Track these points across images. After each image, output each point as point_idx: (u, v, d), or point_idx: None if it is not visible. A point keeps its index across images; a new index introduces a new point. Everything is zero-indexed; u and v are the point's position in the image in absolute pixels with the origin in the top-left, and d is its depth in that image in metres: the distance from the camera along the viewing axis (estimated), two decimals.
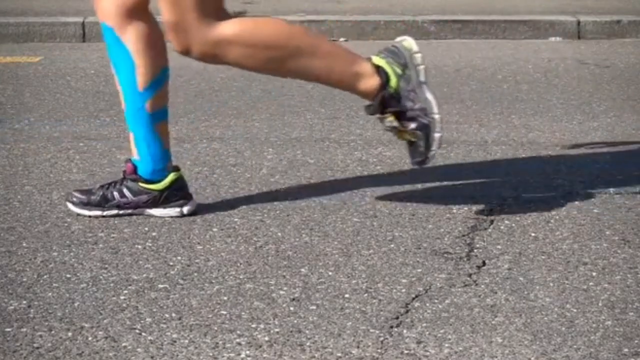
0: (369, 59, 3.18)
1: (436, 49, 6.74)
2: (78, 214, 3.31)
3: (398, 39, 3.25)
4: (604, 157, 4.02)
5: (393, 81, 3.15)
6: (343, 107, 4.95)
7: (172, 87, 5.40)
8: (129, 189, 3.30)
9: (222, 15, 3.06)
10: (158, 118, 3.27)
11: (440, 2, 7.97)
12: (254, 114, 4.80)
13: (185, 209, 3.31)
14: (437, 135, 3.16)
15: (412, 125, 3.15)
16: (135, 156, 3.31)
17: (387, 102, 3.15)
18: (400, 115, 3.16)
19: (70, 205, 3.32)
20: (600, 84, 5.55)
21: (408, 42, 3.22)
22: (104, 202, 3.30)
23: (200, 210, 3.37)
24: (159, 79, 3.24)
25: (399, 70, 3.16)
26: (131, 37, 3.19)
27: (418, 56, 3.19)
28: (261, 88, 5.42)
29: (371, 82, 3.15)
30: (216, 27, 3.02)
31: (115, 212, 3.30)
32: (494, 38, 7.19)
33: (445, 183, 3.68)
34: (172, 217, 3.30)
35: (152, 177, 3.30)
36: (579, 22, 7.21)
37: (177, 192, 3.31)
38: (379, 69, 3.16)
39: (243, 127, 4.55)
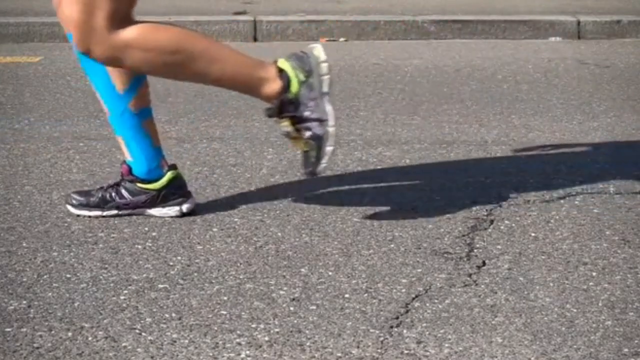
0: (275, 62, 3.17)
1: (436, 49, 6.74)
2: (78, 215, 3.31)
3: (310, 45, 3.23)
4: (604, 157, 4.02)
5: (294, 87, 3.13)
6: (343, 107, 4.95)
7: (172, 87, 5.42)
8: (127, 190, 3.30)
9: (129, 21, 3.06)
10: (144, 116, 3.27)
11: (440, 2, 7.97)
12: (254, 114, 4.80)
13: (185, 207, 3.31)
14: (329, 148, 3.14)
15: (307, 134, 3.14)
16: (128, 158, 3.31)
17: (285, 106, 3.14)
18: (296, 122, 3.15)
19: (70, 208, 3.32)
20: (600, 84, 5.55)
21: (318, 50, 3.19)
22: (103, 204, 3.30)
23: (200, 210, 3.37)
24: (137, 78, 3.24)
25: (302, 77, 3.14)
26: None
27: (324, 66, 3.17)
28: None
29: (273, 86, 3.13)
30: (119, 31, 3.02)
31: (114, 212, 3.30)
32: (494, 38, 7.19)
33: (445, 183, 3.69)
34: (171, 216, 3.30)
35: (149, 177, 3.30)
36: (579, 22, 7.21)
37: (176, 191, 3.31)
38: (282, 73, 3.14)
39: (243, 127, 4.55)
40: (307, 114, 3.13)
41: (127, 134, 3.27)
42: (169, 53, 3.06)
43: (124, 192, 3.30)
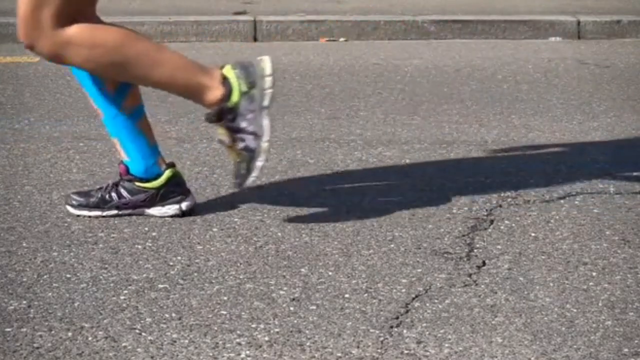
0: (221, 68, 3.17)
1: (436, 49, 6.74)
2: (78, 215, 3.31)
3: (259, 57, 3.22)
4: (604, 157, 4.02)
5: (235, 96, 3.13)
6: (343, 107, 4.95)
7: None
8: (125, 189, 3.31)
9: (76, 19, 3.06)
10: (137, 116, 3.27)
11: (440, 2, 7.97)
12: None
13: (184, 205, 3.31)
14: (259, 163, 3.14)
15: (240, 145, 3.14)
16: (125, 158, 3.31)
17: (223, 115, 3.14)
18: (232, 132, 3.14)
19: (69, 208, 3.32)
20: (600, 84, 5.55)
21: (265, 63, 3.18)
22: (102, 204, 3.30)
23: (200, 210, 3.37)
24: None
25: (244, 88, 3.14)
26: None
27: (268, 80, 3.16)
28: None
29: (215, 93, 3.13)
30: (64, 29, 3.02)
31: (114, 212, 3.30)
32: (494, 38, 7.19)
33: (445, 183, 3.69)
34: (171, 215, 3.30)
35: (146, 175, 3.30)
36: (579, 22, 7.21)
37: (175, 189, 3.31)
38: (225, 81, 3.14)
39: None
40: (243, 125, 3.14)
41: (122, 135, 3.28)
42: (111, 53, 3.06)
43: (123, 191, 3.30)
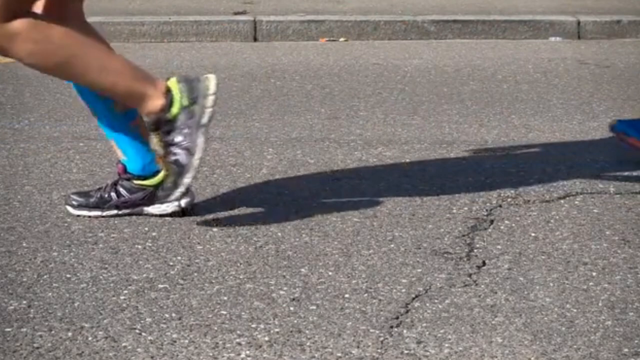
0: (167, 79, 3.18)
1: (436, 49, 6.74)
2: (78, 215, 3.31)
3: (205, 75, 3.21)
4: (604, 157, 4.02)
5: (175, 109, 3.13)
6: (343, 107, 4.95)
7: None
8: (124, 188, 3.31)
9: (25, 13, 3.05)
10: (131, 116, 3.28)
11: (440, 2, 7.97)
12: (254, 114, 4.80)
13: (183, 202, 3.31)
14: (186, 180, 3.12)
15: (172, 159, 3.13)
16: (122, 157, 3.31)
17: (160, 125, 3.14)
18: (167, 144, 3.14)
19: (69, 209, 3.32)
20: (600, 84, 5.55)
21: (210, 81, 3.18)
22: (102, 204, 3.31)
23: (200, 210, 3.37)
24: None
25: (185, 102, 3.14)
26: None
27: (211, 98, 3.15)
28: (261, 88, 5.42)
29: (156, 102, 3.13)
30: (11, 22, 3.02)
31: (114, 212, 3.30)
32: (494, 38, 7.19)
33: (445, 183, 3.69)
34: (171, 215, 3.30)
35: (144, 173, 3.31)
36: (579, 22, 7.21)
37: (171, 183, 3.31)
38: (168, 92, 3.14)
39: (243, 127, 4.55)
40: (178, 139, 3.13)
41: (117, 136, 3.29)
42: (56, 50, 3.06)
43: (121, 190, 3.30)
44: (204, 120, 3.14)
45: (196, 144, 3.13)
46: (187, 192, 3.32)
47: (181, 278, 2.83)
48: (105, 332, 2.49)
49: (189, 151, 3.12)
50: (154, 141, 3.16)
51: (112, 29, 7.01)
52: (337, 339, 2.46)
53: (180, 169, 3.12)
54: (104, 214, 3.30)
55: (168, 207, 3.30)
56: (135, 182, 3.30)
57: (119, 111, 3.25)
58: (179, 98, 3.13)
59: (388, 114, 4.82)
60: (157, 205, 3.31)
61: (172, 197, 3.15)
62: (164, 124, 3.13)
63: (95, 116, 3.30)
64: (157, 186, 3.29)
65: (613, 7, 7.67)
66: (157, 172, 3.30)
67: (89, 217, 3.29)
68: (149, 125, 3.15)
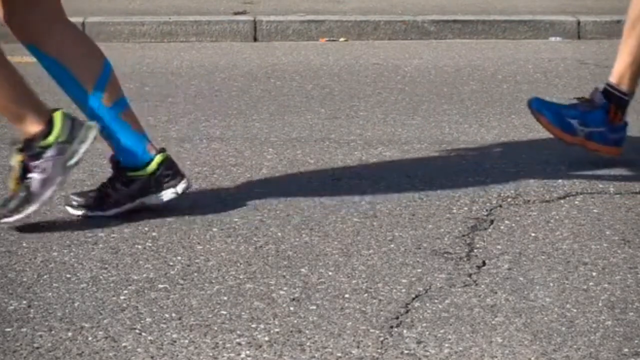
0: (53, 110, 3.22)
1: (436, 49, 6.74)
2: (78, 216, 3.31)
3: (90, 123, 3.26)
4: (604, 157, 4.02)
5: (50, 139, 3.19)
6: (343, 107, 4.95)
7: (172, 87, 5.42)
8: (120, 182, 3.31)
9: None
10: (120, 108, 3.29)
11: (440, 2, 7.97)
12: (254, 114, 4.80)
13: (179, 188, 3.31)
14: (30, 208, 3.17)
15: (26, 182, 3.18)
16: (114, 150, 3.32)
17: (30, 149, 3.20)
18: (27, 168, 3.20)
19: (69, 209, 3.32)
20: (600, 84, 5.55)
21: (91, 131, 3.23)
22: (102, 203, 3.31)
23: (200, 210, 3.37)
24: (104, 74, 3.26)
25: (62, 138, 3.19)
26: (55, 48, 3.23)
27: (85, 146, 3.21)
28: (261, 88, 5.42)
29: (35, 127, 3.19)
30: None
31: (115, 210, 3.30)
32: (494, 38, 7.19)
33: (445, 183, 3.68)
34: (168, 200, 3.28)
35: (137, 164, 3.30)
36: (579, 22, 7.21)
37: (167, 173, 3.31)
38: (50, 122, 3.19)
39: (243, 127, 4.55)
40: (40, 168, 3.18)
41: (107, 129, 3.29)
42: None
43: (118, 185, 3.31)
44: (72, 161, 3.21)
45: (55, 180, 3.18)
46: (182, 177, 3.32)
47: (181, 278, 2.83)
48: (105, 332, 2.49)
49: (45, 183, 3.18)
50: (16, 159, 3.21)
51: (112, 29, 7.01)
52: (337, 339, 2.46)
53: (29, 196, 3.17)
54: (106, 213, 3.30)
55: (165, 195, 3.30)
56: (129, 173, 3.30)
57: (107, 104, 3.26)
58: (58, 131, 3.19)
59: (388, 114, 4.82)
60: (155, 196, 3.31)
61: (9, 218, 3.18)
62: (33, 149, 3.18)
63: (83, 111, 3.31)
64: (151, 174, 3.29)
65: (613, 7, 7.67)
66: (150, 161, 3.30)
67: (90, 217, 3.29)
68: (19, 144, 3.22)
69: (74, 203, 3.32)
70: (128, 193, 3.30)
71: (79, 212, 3.31)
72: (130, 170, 3.31)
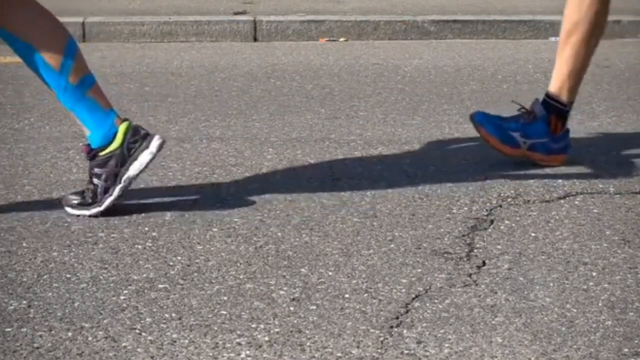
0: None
1: (436, 49, 6.74)
2: (78, 215, 3.31)
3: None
4: (604, 157, 4.02)
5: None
6: (343, 107, 4.95)
7: (172, 87, 5.42)
8: (97, 166, 3.31)
9: None
10: (87, 85, 3.29)
11: (440, 2, 7.97)
12: (254, 114, 4.80)
13: (153, 146, 3.31)
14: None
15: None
16: (87, 132, 3.32)
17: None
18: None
19: (68, 209, 3.32)
20: (600, 84, 5.55)
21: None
22: (95, 197, 3.30)
23: (200, 210, 3.37)
24: (68, 51, 3.26)
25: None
26: (18, 27, 3.23)
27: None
28: (261, 88, 5.42)
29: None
30: None
31: (109, 200, 3.29)
32: (494, 38, 7.19)
33: (445, 183, 3.69)
34: (147, 162, 3.29)
35: (107, 141, 3.31)
36: None
37: (135, 138, 3.31)
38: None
39: (243, 127, 4.56)
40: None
41: (76, 108, 3.29)
42: None
43: (97, 170, 3.31)
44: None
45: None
46: (151, 136, 3.34)
47: (181, 278, 2.83)
48: (105, 332, 2.49)
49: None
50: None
51: (112, 29, 7.01)
52: (337, 339, 2.46)
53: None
54: (103, 207, 3.30)
55: (143, 159, 3.30)
56: (101, 154, 3.30)
57: (73, 82, 3.26)
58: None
59: (388, 114, 4.82)
60: (134, 165, 3.30)
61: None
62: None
63: (52, 90, 3.31)
64: (120, 145, 3.30)
65: (613, 7, 7.66)
66: (116, 133, 3.30)
67: (90, 216, 3.29)
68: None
69: (73, 203, 3.32)
70: (109, 173, 3.29)
71: (78, 212, 3.31)
72: (102, 149, 3.31)
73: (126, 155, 3.30)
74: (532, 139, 3.86)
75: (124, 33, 7.05)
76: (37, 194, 3.57)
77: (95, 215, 3.30)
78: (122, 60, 6.21)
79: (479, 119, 3.88)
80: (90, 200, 3.31)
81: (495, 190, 3.60)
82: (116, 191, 3.30)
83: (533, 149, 3.87)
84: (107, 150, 3.31)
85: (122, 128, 3.31)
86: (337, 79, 5.67)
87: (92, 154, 3.32)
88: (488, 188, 3.63)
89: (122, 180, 3.30)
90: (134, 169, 3.31)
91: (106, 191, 3.30)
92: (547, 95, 3.88)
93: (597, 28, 3.81)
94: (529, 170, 3.84)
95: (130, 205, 3.41)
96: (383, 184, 3.68)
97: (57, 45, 3.26)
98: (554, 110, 3.86)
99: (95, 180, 3.31)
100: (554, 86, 3.87)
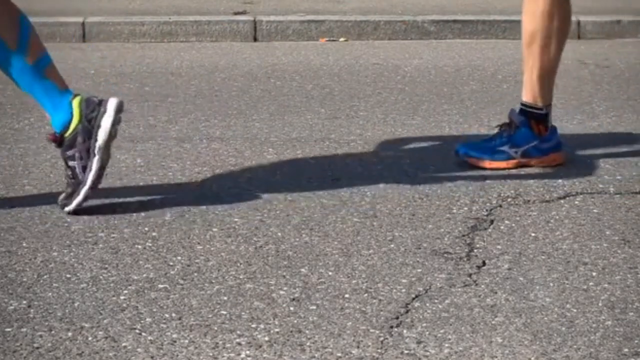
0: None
1: (436, 49, 6.74)
2: (76, 213, 3.30)
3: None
4: (604, 157, 4.02)
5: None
6: (343, 107, 4.95)
7: (172, 87, 5.42)
8: (67, 148, 3.31)
9: None
10: (44, 64, 3.29)
11: (440, 2, 7.97)
12: (254, 114, 4.80)
13: (111, 109, 3.30)
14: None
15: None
16: (48, 116, 3.33)
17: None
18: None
19: (66, 209, 3.32)
20: (600, 84, 5.55)
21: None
22: (77, 178, 3.29)
23: (200, 210, 3.37)
24: (23, 29, 3.27)
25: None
26: None
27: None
28: (261, 88, 5.42)
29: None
30: None
31: (92, 175, 3.28)
32: (494, 38, 7.19)
33: (445, 183, 3.68)
34: (110, 128, 3.27)
35: (66, 120, 3.31)
36: (579, 22, 7.21)
37: (90, 107, 3.31)
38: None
39: (243, 127, 4.55)
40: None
41: (33, 89, 3.30)
42: None
43: (69, 153, 3.31)
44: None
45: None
46: (105, 101, 3.32)
47: (181, 278, 2.83)
48: (105, 332, 2.49)
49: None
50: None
51: (112, 29, 7.01)
52: (337, 339, 2.46)
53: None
54: (89, 183, 3.27)
55: (104, 125, 3.29)
56: (67, 135, 3.30)
57: (30, 62, 3.26)
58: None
59: (388, 114, 4.82)
60: (100, 134, 3.29)
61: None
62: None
63: (9, 74, 3.30)
64: (80, 121, 3.29)
65: (613, 7, 7.66)
66: (72, 112, 3.30)
67: (82, 199, 3.26)
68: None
69: (63, 200, 3.31)
70: (80, 150, 3.28)
71: (74, 206, 3.29)
72: (65, 131, 3.30)
73: (89, 127, 3.29)
74: (521, 146, 3.86)
75: (124, 33, 7.04)
76: (37, 194, 3.57)
77: (86, 196, 3.27)
78: (122, 60, 6.21)
79: (462, 151, 3.88)
80: (73, 187, 3.30)
81: (495, 190, 3.60)
82: (94, 164, 3.29)
83: (526, 155, 3.87)
84: (70, 130, 3.30)
85: (75, 103, 3.30)
86: (337, 79, 5.67)
87: (59, 139, 3.31)
88: (488, 188, 3.63)
89: (96, 152, 3.29)
90: (101, 136, 3.29)
91: (84, 169, 3.29)
92: (523, 104, 3.89)
93: (555, 35, 3.80)
94: (529, 170, 3.84)
95: (130, 205, 3.41)
96: (383, 184, 3.68)
97: (11, 26, 3.25)
98: (532, 117, 3.87)
99: (71, 163, 3.30)
100: (526, 95, 3.89)
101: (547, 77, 3.85)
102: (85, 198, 3.29)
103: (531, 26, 3.80)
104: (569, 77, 5.75)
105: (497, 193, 3.57)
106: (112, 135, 3.30)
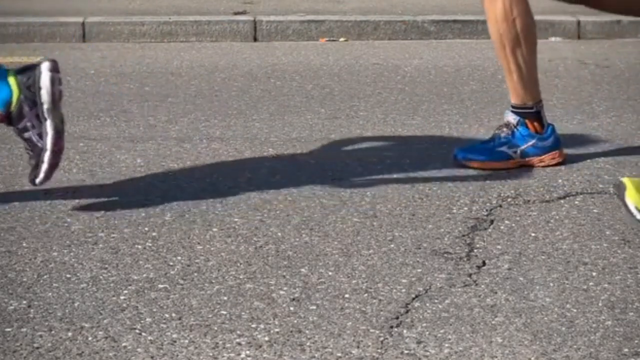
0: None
1: (436, 49, 6.74)
2: (45, 178, 3.28)
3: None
4: (604, 157, 4.02)
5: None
6: (343, 107, 4.95)
7: (172, 87, 5.42)
8: (17, 121, 3.30)
9: None
10: None
11: (440, 2, 7.97)
12: (254, 114, 4.80)
13: (45, 68, 3.28)
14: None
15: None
16: None
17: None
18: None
19: (37, 182, 3.29)
20: (600, 84, 5.55)
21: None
22: (36, 148, 3.28)
23: (200, 210, 3.37)
24: None
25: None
26: None
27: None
28: (261, 88, 5.42)
29: None
30: None
31: (50, 138, 3.26)
32: None
33: (445, 183, 3.69)
34: (49, 88, 3.26)
35: (8, 96, 3.30)
36: (579, 22, 7.21)
37: (26, 75, 3.30)
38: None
39: (243, 127, 4.56)
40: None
41: None
42: None
43: (20, 125, 3.31)
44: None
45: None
46: (37, 66, 3.31)
47: (181, 278, 2.83)
48: (105, 332, 2.49)
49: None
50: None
51: (112, 29, 7.01)
52: (337, 339, 2.46)
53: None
54: (49, 146, 3.26)
55: (45, 90, 3.27)
56: (12, 110, 3.29)
57: None
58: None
59: (388, 114, 4.82)
60: (44, 104, 3.28)
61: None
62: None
63: None
64: (21, 92, 3.28)
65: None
66: (10, 87, 3.30)
67: (49, 167, 3.26)
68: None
69: (31, 176, 3.30)
70: (30, 118, 3.26)
71: (42, 175, 3.28)
72: (10, 106, 3.30)
73: (30, 94, 3.28)
74: (520, 146, 3.86)
75: (124, 33, 7.05)
76: (37, 194, 3.57)
77: (52, 163, 3.26)
78: (122, 60, 6.21)
79: (461, 155, 3.88)
80: (36, 158, 3.29)
81: (495, 190, 3.60)
82: (48, 127, 3.27)
83: (526, 155, 3.87)
84: (14, 103, 3.29)
85: (11, 78, 3.29)
86: (337, 79, 5.67)
87: (6, 116, 3.30)
88: (488, 188, 3.63)
89: (46, 116, 3.28)
90: (45, 98, 3.28)
91: (40, 136, 3.29)
92: (513, 106, 3.90)
93: (522, 34, 3.80)
94: (529, 171, 3.84)
95: (130, 205, 3.41)
96: (383, 184, 3.68)
97: None
98: (525, 116, 3.88)
99: (26, 135, 3.30)
100: (514, 98, 3.91)
101: (527, 76, 3.86)
102: (52, 165, 3.27)
103: (496, 31, 3.82)
104: (569, 77, 5.75)
105: (497, 193, 3.57)
106: (55, 94, 3.27)
